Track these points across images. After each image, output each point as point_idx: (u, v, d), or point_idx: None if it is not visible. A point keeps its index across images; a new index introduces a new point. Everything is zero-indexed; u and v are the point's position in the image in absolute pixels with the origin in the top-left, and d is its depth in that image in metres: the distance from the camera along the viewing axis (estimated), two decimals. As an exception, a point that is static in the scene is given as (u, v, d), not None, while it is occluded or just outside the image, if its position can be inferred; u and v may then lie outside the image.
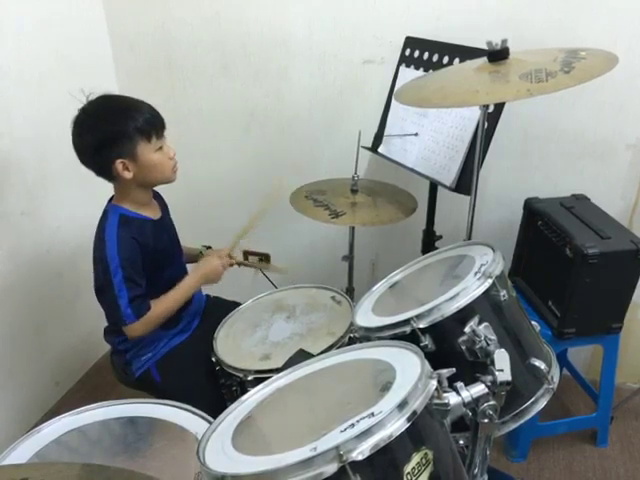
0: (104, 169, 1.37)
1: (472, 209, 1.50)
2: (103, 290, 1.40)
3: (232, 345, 1.49)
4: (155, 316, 1.42)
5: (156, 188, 1.52)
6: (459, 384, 0.93)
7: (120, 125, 1.32)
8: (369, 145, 1.85)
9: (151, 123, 1.35)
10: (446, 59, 1.64)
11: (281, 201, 1.62)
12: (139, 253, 1.39)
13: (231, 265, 1.61)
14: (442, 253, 1.40)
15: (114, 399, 1.18)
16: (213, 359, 1.45)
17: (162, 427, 1.10)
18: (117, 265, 1.34)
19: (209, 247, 1.73)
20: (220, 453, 0.87)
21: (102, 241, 1.37)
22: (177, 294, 1.47)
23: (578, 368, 2.04)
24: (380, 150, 1.82)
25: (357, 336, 1.21)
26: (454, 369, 0.93)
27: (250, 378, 1.35)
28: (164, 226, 1.53)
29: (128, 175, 1.36)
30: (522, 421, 1.11)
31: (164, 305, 1.44)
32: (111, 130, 1.32)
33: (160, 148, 1.39)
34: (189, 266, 1.67)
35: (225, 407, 1.01)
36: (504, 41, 1.25)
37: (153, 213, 1.50)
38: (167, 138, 1.42)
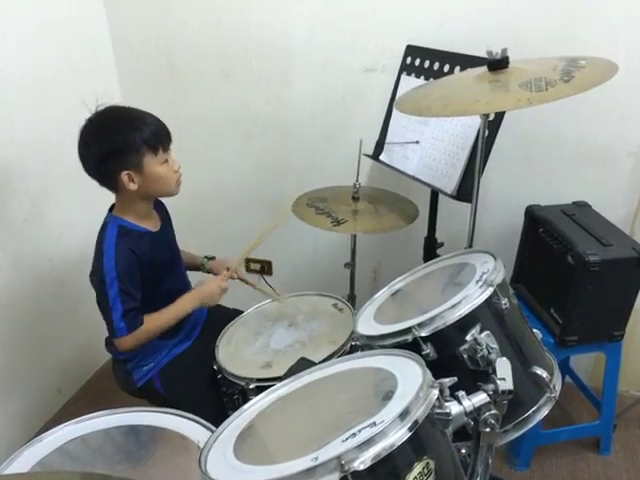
0: (108, 180, 1.37)
1: (473, 216, 1.50)
2: (99, 301, 1.40)
3: (234, 353, 1.49)
4: (146, 331, 1.41)
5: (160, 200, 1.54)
6: (461, 393, 0.93)
7: (128, 136, 1.32)
8: (370, 153, 1.85)
9: (158, 136, 1.36)
10: (447, 67, 1.64)
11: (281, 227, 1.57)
12: (137, 265, 1.39)
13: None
14: (443, 261, 1.40)
15: (116, 407, 1.18)
16: (215, 367, 1.46)
17: (164, 435, 1.10)
18: (113, 277, 1.35)
19: (212, 257, 1.72)
20: (222, 462, 0.87)
21: (100, 253, 1.37)
22: (171, 313, 1.46)
23: (581, 376, 2.03)
24: (381, 158, 1.82)
25: (359, 344, 1.21)
26: (456, 378, 0.93)
27: (252, 386, 1.35)
28: (163, 238, 1.53)
29: (133, 187, 1.36)
30: (524, 430, 1.10)
31: (157, 322, 1.43)
32: (119, 141, 1.32)
33: (165, 161, 1.39)
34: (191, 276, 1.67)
35: (227, 416, 1.01)
36: (504, 50, 1.25)
37: (152, 225, 1.50)
38: (172, 151, 1.43)
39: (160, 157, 1.37)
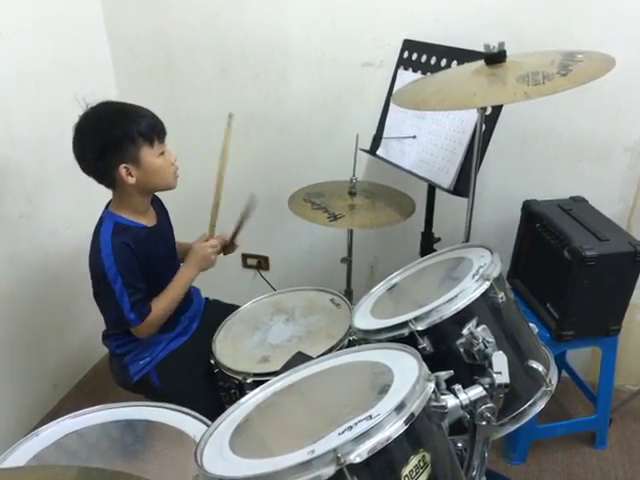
0: (107, 175, 1.36)
1: (470, 211, 1.50)
2: (104, 296, 1.40)
3: (231, 347, 1.49)
4: (157, 316, 1.43)
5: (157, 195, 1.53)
6: (457, 386, 0.93)
7: (123, 129, 1.32)
8: (367, 147, 1.85)
9: (153, 127, 1.36)
10: (444, 62, 1.64)
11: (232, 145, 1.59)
12: (134, 258, 1.39)
13: (222, 248, 1.61)
14: (440, 255, 1.40)
15: (112, 402, 1.18)
16: (212, 362, 1.45)
17: (160, 430, 1.10)
18: (115, 272, 1.35)
19: None
20: (218, 456, 0.87)
21: (98, 249, 1.37)
22: (174, 289, 1.48)
23: (577, 370, 2.04)
24: (378, 153, 1.82)
25: (356, 339, 1.21)
26: (452, 371, 0.93)
27: (249, 381, 1.35)
28: (160, 233, 1.52)
29: (131, 180, 1.36)
30: (520, 424, 1.11)
31: (164, 303, 1.45)
32: (114, 134, 1.32)
33: (162, 153, 1.39)
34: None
35: (224, 410, 1.01)
36: (501, 44, 1.25)
37: (149, 220, 1.49)
38: (167, 144, 1.42)
39: (156, 149, 1.37)
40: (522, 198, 1.79)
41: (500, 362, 0.98)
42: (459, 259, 1.30)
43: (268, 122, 2.11)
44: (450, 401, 0.90)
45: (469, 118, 1.54)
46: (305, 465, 0.73)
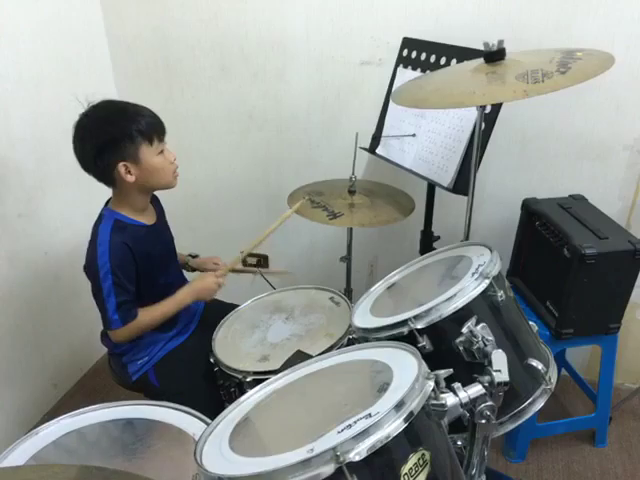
0: (106, 173, 1.36)
1: (470, 210, 1.50)
2: (95, 295, 1.40)
3: (230, 346, 1.49)
4: (141, 324, 1.42)
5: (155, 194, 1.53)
6: (456, 385, 0.93)
7: (122, 127, 1.32)
8: (367, 146, 1.85)
9: (152, 126, 1.36)
10: (443, 60, 1.64)
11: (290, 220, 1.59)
12: (131, 259, 1.39)
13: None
14: (440, 254, 1.40)
15: (112, 401, 1.18)
16: (211, 360, 1.46)
17: (160, 429, 1.10)
18: (107, 271, 1.35)
19: (195, 256, 1.73)
20: (217, 455, 0.87)
21: (94, 246, 1.37)
22: (166, 307, 1.46)
23: (576, 368, 2.04)
24: (378, 151, 1.82)
25: (355, 337, 1.21)
26: (451, 370, 0.93)
27: (248, 379, 1.35)
28: (158, 232, 1.52)
29: (130, 179, 1.36)
30: (520, 422, 1.11)
31: (151, 315, 1.44)
32: (113, 132, 1.32)
33: (161, 152, 1.39)
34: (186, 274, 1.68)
35: (223, 408, 1.01)
36: (500, 42, 1.25)
37: (148, 219, 1.49)
38: (167, 143, 1.42)
39: (155, 147, 1.37)
40: (522, 196, 1.79)
41: (500, 360, 0.98)
42: (459, 257, 1.30)
43: (267, 121, 2.11)
44: (449, 399, 0.90)
45: (469, 116, 1.54)
46: (304, 463, 0.74)
